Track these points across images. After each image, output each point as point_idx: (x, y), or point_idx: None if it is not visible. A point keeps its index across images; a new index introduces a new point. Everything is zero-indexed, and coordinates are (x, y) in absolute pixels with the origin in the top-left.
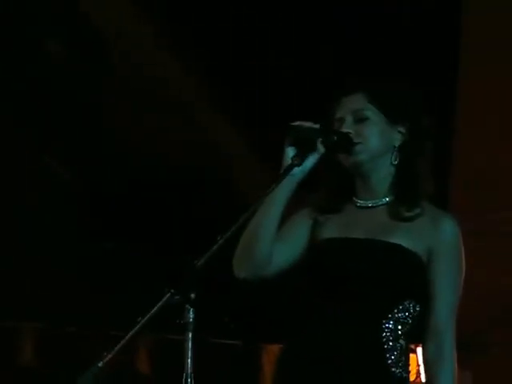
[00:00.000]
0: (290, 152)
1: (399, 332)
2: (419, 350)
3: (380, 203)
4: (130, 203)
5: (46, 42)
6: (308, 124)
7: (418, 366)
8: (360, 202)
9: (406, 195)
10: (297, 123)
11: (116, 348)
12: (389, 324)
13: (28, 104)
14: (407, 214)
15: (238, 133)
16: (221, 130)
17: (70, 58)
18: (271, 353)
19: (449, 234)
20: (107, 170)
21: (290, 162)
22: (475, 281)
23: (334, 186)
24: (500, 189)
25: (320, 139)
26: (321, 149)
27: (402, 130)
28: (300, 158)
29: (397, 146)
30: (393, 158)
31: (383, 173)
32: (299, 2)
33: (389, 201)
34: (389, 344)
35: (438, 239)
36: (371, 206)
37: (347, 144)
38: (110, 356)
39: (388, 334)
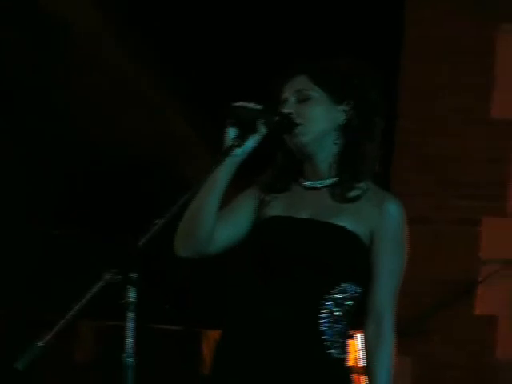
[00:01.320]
0: (232, 133)
1: (337, 313)
2: (358, 335)
3: (325, 184)
4: (78, 189)
5: None
6: (250, 105)
7: (357, 351)
8: (306, 183)
9: (349, 174)
10: (239, 104)
11: (57, 327)
12: (326, 305)
13: None
14: (349, 195)
15: (184, 117)
16: (167, 115)
17: (24, 46)
18: (211, 338)
19: (393, 217)
20: (54, 155)
21: (231, 142)
22: (416, 268)
23: (280, 165)
24: (442, 176)
25: (261, 120)
26: (262, 129)
27: (346, 108)
28: (241, 138)
29: (340, 125)
30: (336, 137)
31: (327, 153)
32: None
33: (333, 182)
34: (326, 325)
35: (381, 222)
36: (317, 187)
37: (289, 125)
38: (50, 335)
39: (326, 314)
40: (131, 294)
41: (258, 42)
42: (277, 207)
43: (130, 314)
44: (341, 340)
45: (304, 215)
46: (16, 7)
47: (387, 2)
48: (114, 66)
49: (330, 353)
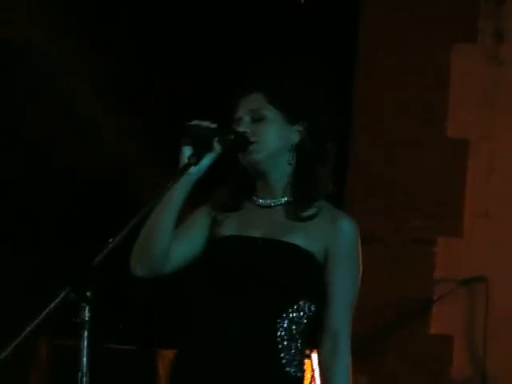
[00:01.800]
0: (187, 151)
1: (294, 332)
2: (314, 355)
3: (278, 203)
4: (23, 205)
5: None
6: (205, 123)
7: (313, 370)
8: (259, 201)
9: (302, 195)
10: (193, 122)
11: (13, 344)
12: (283, 323)
13: None
14: (303, 214)
15: (134, 135)
16: (117, 132)
17: None
18: (166, 358)
19: (346, 235)
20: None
21: (186, 161)
22: (371, 287)
23: (234, 184)
24: (397, 196)
25: (216, 138)
26: (217, 148)
27: (300, 128)
28: (196, 157)
29: (294, 145)
30: (290, 157)
31: (281, 172)
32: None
33: (286, 200)
34: (283, 343)
35: (335, 239)
36: (270, 206)
37: (243, 143)
38: (6, 352)
39: (283, 333)
40: (86, 313)
41: (210, 55)
42: (230, 226)
43: (85, 333)
44: (298, 358)
45: (257, 234)
46: None
47: (341, 21)
48: (67, 90)
49: (287, 371)
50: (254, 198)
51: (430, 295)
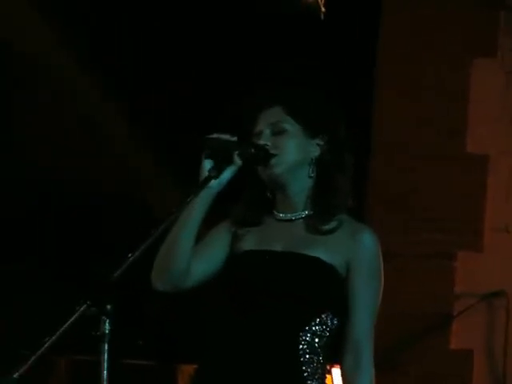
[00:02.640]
0: (207, 164)
1: (316, 345)
2: (335, 370)
3: (299, 216)
4: (40, 224)
5: None
6: (225, 136)
7: None
8: (279, 215)
9: (323, 209)
10: (214, 136)
11: (32, 359)
12: (306, 337)
13: None
14: (324, 228)
15: (149, 151)
16: (134, 151)
17: None
18: (186, 373)
19: (367, 247)
20: (15, 190)
21: (207, 174)
22: (392, 302)
23: (254, 198)
24: (416, 211)
25: (237, 151)
26: (238, 161)
27: (320, 142)
28: (217, 170)
29: (314, 158)
30: (310, 170)
31: (301, 186)
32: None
33: (307, 214)
34: (306, 357)
35: (356, 252)
36: (290, 220)
37: (264, 156)
38: (25, 366)
39: (305, 346)
40: (106, 326)
41: (221, 68)
42: (250, 241)
43: (105, 346)
44: (320, 372)
45: (278, 248)
46: None
47: (361, 34)
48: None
49: None
50: (274, 212)
51: (450, 310)
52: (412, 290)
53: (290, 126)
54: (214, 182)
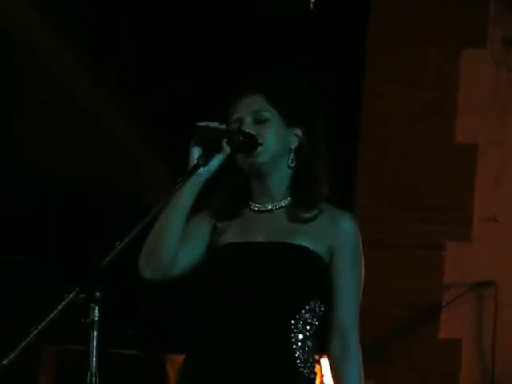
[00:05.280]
0: (196, 152)
1: (307, 333)
2: (323, 360)
3: (278, 206)
4: (36, 215)
5: None
6: (214, 124)
7: (322, 376)
8: (258, 206)
9: (303, 198)
10: (203, 123)
11: (21, 345)
12: (297, 325)
13: None
14: (305, 216)
15: (143, 139)
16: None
17: None
18: (176, 363)
19: (348, 232)
20: (14, 184)
21: (195, 162)
22: (380, 291)
23: (231, 190)
24: (406, 200)
25: (225, 139)
26: (226, 149)
27: (298, 133)
28: (205, 157)
29: (293, 148)
30: (289, 160)
31: (280, 175)
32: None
33: (287, 203)
34: (298, 344)
35: (337, 238)
36: (270, 210)
37: (252, 144)
38: (14, 353)
39: (297, 334)
40: (95, 313)
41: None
42: (231, 234)
43: (94, 333)
44: (311, 360)
45: (260, 238)
46: None
47: (349, 28)
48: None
49: (302, 372)
50: (250, 202)
51: (439, 300)
52: (401, 279)
53: (271, 114)
54: (202, 170)
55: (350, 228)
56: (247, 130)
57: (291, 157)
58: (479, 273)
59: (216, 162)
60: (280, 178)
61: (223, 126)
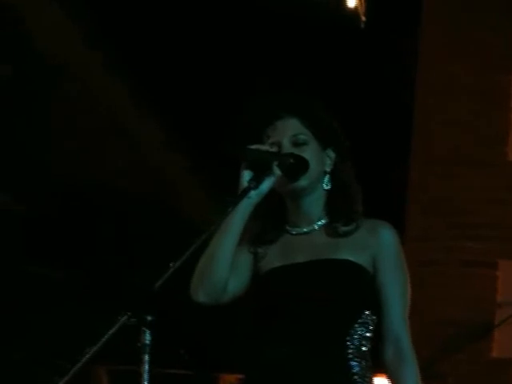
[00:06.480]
0: (247, 175)
1: (363, 348)
2: (377, 379)
3: (316, 227)
4: (72, 228)
5: None
6: (264, 147)
7: None
8: (295, 229)
9: (342, 215)
10: (254, 146)
11: (73, 369)
12: (353, 340)
13: None
14: (345, 229)
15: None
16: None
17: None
18: (227, 382)
19: (388, 241)
20: (44, 195)
21: (246, 185)
22: (433, 310)
23: (270, 214)
24: (458, 219)
25: (276, 162)
26: (277, 172)
27: (331, 154)
28: (256, 181)
29: (328, 170)
30: (325, 182)
31: (315, 197)
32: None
33: (323, 223)
34: (355, 360)
35: (379, 247)
36: (306, 232)
37: (303, 167)
38: (67, 377)
39: (353, 350)
40: (146, 337)
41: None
42: (273, 258)
43: (146, 357)
44: (368, 375)
45: (302, 259)
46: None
47: (399, 45)
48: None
49: None
50: (287, 227)
51: (492, 319)
52: (453, 297)
53: (308, 138)
54: (253, 193)
55: (391, 236)
56: (297, 154)
57: (327, 179)
58: None
59: (266, 185)
60: (315, 200)
61: (274, 149)
